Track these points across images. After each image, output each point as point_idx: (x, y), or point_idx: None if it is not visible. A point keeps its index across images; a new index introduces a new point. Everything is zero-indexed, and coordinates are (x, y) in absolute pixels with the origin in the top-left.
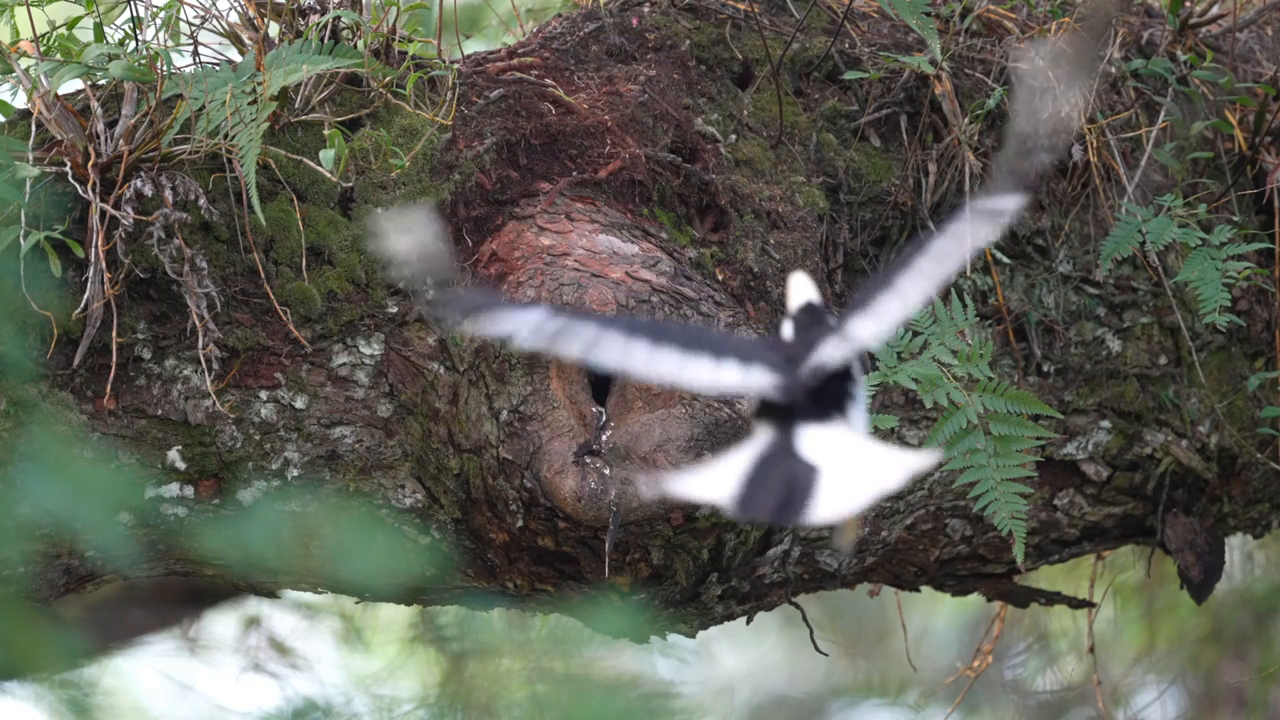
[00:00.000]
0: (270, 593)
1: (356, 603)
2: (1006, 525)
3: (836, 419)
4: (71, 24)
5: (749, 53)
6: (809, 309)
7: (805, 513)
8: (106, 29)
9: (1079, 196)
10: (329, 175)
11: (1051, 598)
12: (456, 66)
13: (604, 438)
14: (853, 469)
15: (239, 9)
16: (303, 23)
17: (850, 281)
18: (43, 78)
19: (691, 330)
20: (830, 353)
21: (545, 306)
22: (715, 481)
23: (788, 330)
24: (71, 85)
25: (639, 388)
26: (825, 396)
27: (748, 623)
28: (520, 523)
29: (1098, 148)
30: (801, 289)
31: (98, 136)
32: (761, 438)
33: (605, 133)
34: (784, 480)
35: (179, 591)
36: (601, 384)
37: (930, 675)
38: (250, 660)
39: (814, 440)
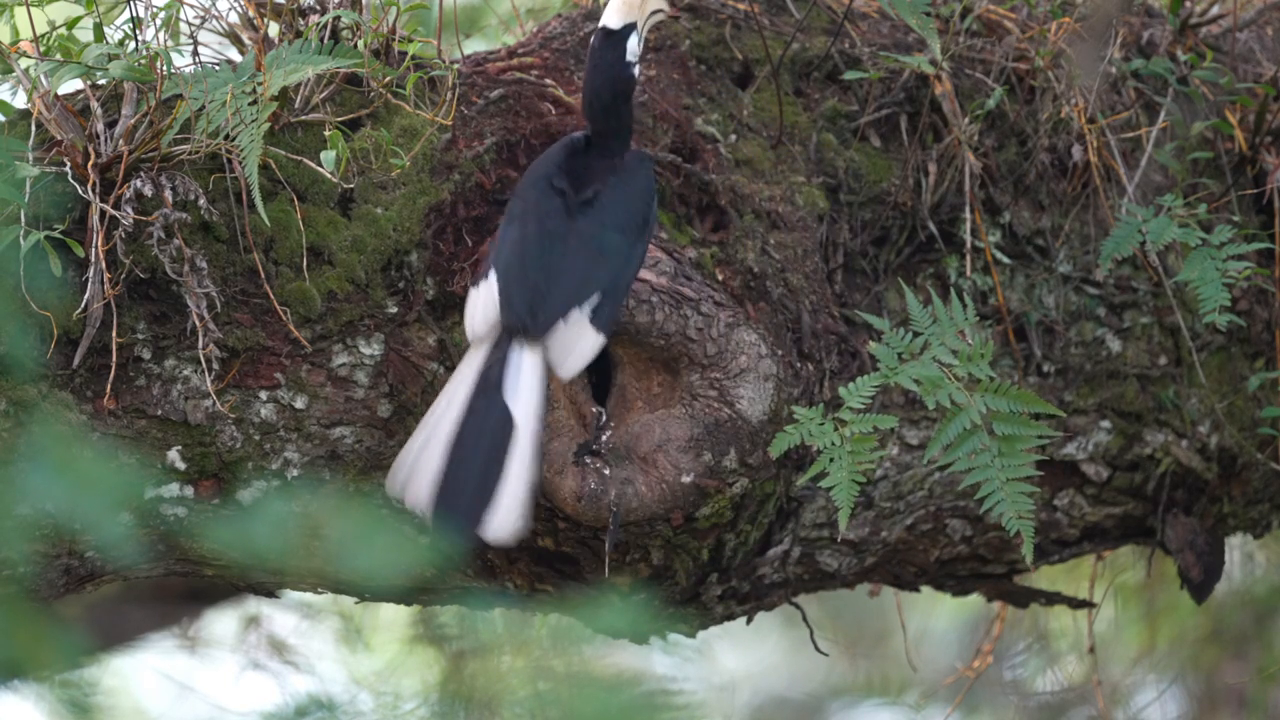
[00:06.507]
0: (270, 593)
1: (357, 603)
2: (1014, 525)
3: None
4: (71, 24)
5: (749, 53)
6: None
7: (484, 523)
8: (106, 29)
9: (1079, 196)
10: (329, 175)
11: (1051, 598)
12: (456, 66)
13: (604, 438)
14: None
15: (239, 9)
16: (303, 23)
17: (850, 281)
18: (43, 78)
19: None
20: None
21: None
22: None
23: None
24: (71, 85)
25: (639, 387)
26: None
27: (748, 623)
28: None
29: (1098, 148)
30: None
31: (98, 136)
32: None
33: None
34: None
35: (179, 591)
36: (602, 384)
37: (930, 675)
38: (250, 659)
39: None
